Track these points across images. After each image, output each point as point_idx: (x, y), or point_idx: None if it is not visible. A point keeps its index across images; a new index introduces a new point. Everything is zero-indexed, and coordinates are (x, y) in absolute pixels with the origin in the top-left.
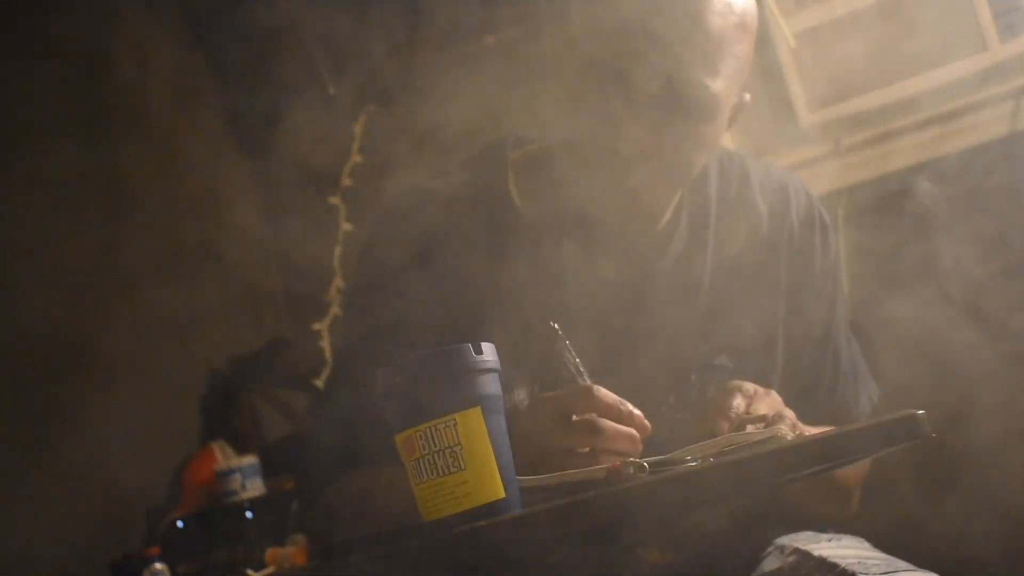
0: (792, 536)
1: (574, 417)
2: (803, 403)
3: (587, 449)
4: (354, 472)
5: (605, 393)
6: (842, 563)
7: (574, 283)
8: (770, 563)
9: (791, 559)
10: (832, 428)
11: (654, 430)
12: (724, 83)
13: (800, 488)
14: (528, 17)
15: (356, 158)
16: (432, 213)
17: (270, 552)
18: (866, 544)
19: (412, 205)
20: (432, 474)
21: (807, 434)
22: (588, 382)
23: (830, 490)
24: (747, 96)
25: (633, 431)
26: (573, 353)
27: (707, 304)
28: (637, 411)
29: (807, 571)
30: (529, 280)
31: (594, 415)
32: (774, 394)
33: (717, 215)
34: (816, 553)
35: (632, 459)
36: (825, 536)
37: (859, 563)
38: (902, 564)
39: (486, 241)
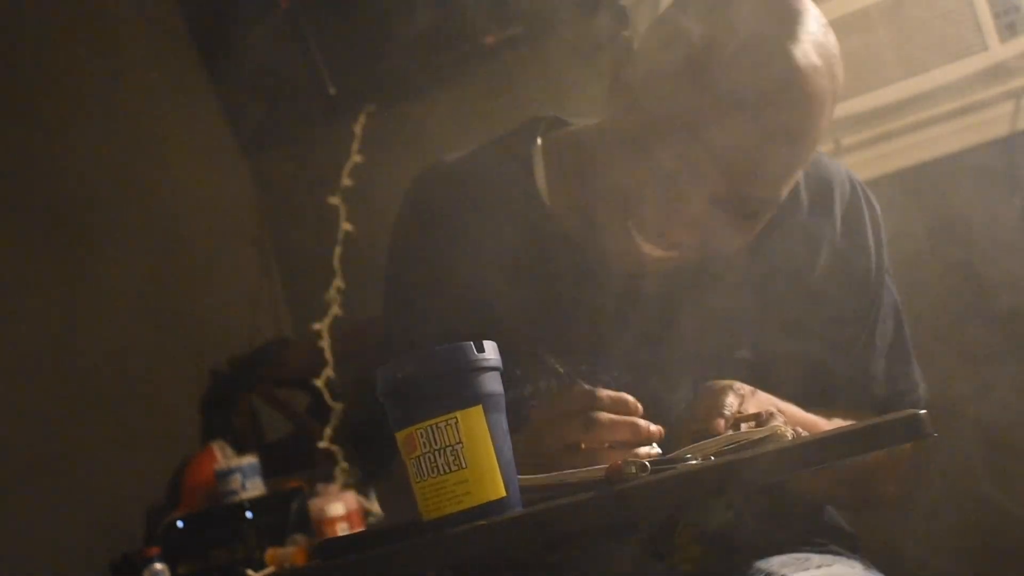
0: (780, 560)
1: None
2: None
3: (591, 445)
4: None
5: (605, 392)
6: None
7: (598, 280)
8: None
9: None
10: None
11: (670, 428)
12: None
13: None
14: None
15: (356, 158)
16: (452, 199)
17: (270, 552)
18: (858, 567)
19: (431, 189)
20: (433, 472)
21: (804, 432)
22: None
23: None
24: None
25: (635, 420)
26: (559, 365)
27: (733, 297)
28: (639, 406)
29: None
30: (551, 278)
31: (591, 411)
32: (761, 394)
33: None
34: None
35: (632, 459)
36: (815, 561)
37: None
38: None
39: (504, 233)
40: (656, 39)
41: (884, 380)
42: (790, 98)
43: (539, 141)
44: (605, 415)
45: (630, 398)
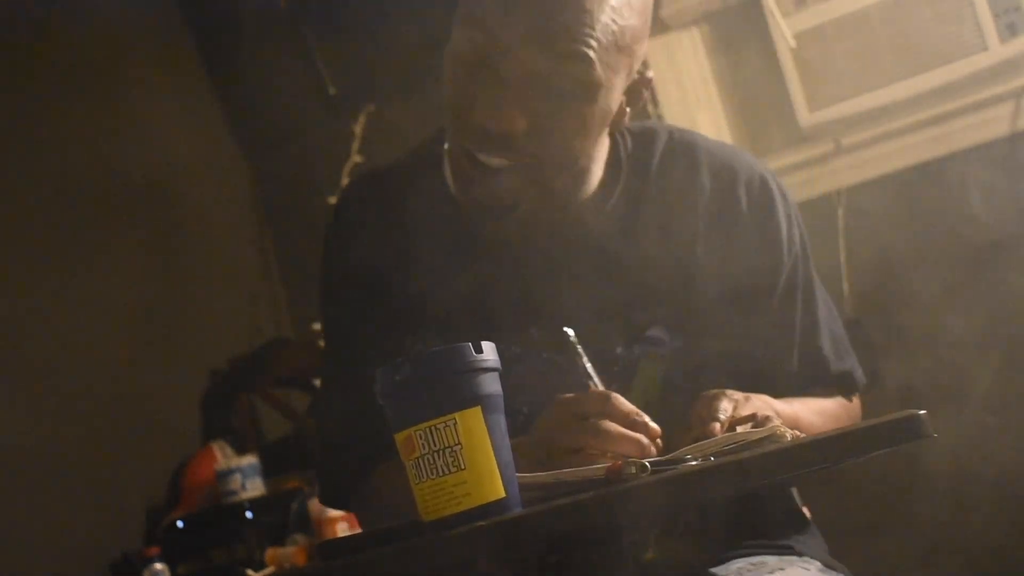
0: (737, 567)
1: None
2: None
3: (594, 451)
4: (375, 471)
5: (621, 400)
6: None
7: (500, 262)
8: None
9: None
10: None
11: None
12: (599, 57)
13: None
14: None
15: (356, 158)
16: (376, 206)
17: (270, 552)
18: (816, 565)
19: (356, 200)
20: (432, 474)
21: (800, 434)
22: (601, 387)
23: None
24: (650, 73)
25: (641, 437)
26: (586, 357)
27: (638, 275)
28: (653, 424)
29: None
30: (464, 266)
31: (605, 419)
32: (755, 398)
33: (657, 188)
34: None
35: (633, 459)
36: (770, 566)
37: None
38: None
39: (426, 232)
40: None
41: (832, 353)
42: None
43: (446, 144)
44: (616, 427)
45: (644, 416)
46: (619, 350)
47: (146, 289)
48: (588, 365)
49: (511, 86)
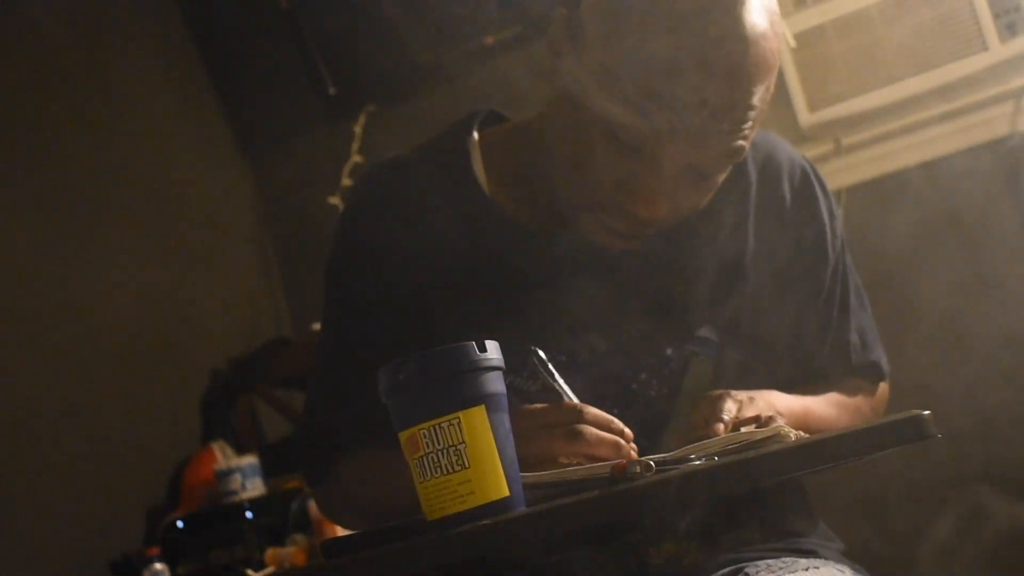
0: (767, 563)
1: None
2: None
3: (571, 458)
4: (350, 458)
5: (594, 410)
6: None
7: (541, 261)
8: None
9: None
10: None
11: (625, 409)
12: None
13: None
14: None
15: (356, 158)
16: (395, 192)
17: (270, 552)
18: (848, 571)
19: (375, 184)
20: (436, 472)
21: (804, 435)
22: (575, 400)
23: None
24: None
25: (617, 439)
26: (557, 375)
27: (689, 276)
28: (627, 430)
29: None
30: (499, 265)
31: (577, 424)
32: (759, 399)
33: None
34: None
35: (638, 458)
36: (803, 564)
37: None
38: None
39: (448, 223)
40: (598, 16)
41: (860, 345)
42: (741, 46)
43: (475, 135)
44: (592, 430)
45: (615, 420)
46: (669, 351)
47: (146, 289)
48: (561, 382)
49: (666, 179)
